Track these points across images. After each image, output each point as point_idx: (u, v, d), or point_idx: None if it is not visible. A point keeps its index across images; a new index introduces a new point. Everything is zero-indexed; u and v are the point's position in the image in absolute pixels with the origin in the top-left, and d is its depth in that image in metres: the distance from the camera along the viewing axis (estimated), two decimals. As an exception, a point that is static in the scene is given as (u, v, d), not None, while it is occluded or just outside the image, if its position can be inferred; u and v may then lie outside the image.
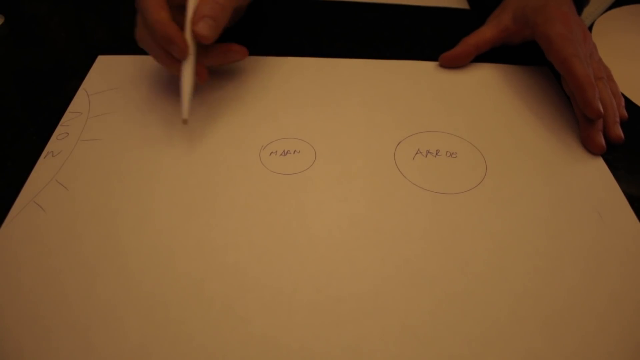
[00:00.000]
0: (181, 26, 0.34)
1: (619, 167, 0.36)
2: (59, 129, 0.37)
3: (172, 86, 0.41)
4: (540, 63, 0.44)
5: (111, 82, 0.41)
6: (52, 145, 0.36)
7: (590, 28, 0.51)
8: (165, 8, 0.33)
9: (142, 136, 0.37)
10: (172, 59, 0.35)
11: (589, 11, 0.53)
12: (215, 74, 0.43)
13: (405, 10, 0.54)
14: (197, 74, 0.35)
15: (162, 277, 0.28)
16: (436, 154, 0.36)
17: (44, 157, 0.35)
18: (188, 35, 0.34)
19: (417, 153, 0.36)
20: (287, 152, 0.36)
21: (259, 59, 0.45)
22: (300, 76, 0.43)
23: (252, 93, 0.41)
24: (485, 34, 0.44)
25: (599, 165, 0.36)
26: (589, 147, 0.37)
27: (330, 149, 0.36)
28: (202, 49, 0.36)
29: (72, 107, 0.39)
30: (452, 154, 0.36)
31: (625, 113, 0.40)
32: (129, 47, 0.47)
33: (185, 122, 0.34)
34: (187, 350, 0.25)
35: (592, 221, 0.32)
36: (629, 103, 0.42)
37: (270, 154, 0.36)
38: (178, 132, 0.37)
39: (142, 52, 0.45)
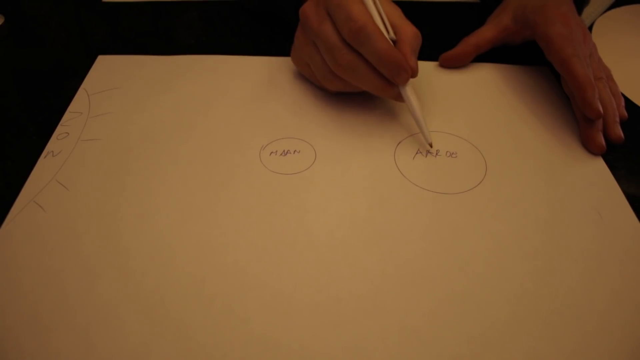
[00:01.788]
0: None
1: (619, 167, 0.36)
2: (59, 129, 0.37)
3: (172, 87, 0.41)
4: (540, 63, 0.44)
5: (111, 82, 0.41)
6: (52, 145, 0.36)
7: (590, 28, 0.51)
8: (385, 35, 0.33)
9: (142, 136, 0.37)
10: (385, 86, 0.35)
11: (588, 11, 0.53)
12: (215, 74, 0.43)
13: (405, 9, 0.53)
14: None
15: (162, 277, 0.28)
16: (436, 154, 0.36)
17: (44, 157, 0.35)
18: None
19: (417, 153, 0.36)
20: (287, 152, 0.36)
21: (259, 59, 0.45)
22: (300, 76, 0.43)
23: (252, 93, 0.41)
24: (486, 33, 0.44)
25: (599, 165, 0.36)
26: (589, 147, 0.37)
27: (330, 149, 0.36)
28: None
29: (72, 107, 0.39)
30: (452, 154, 0.36)
31: (625, 113, 0.40)
32: (129, 47, 0.47)
33: (431, 145, 0.36)
34: (187, 350, 0.25)
35: (592, 221, 0.32)
36: (629, 103, 0.42)
37: (270, 154, 0.36)
38: (178, 133, 0.37)
39: (142, 52, 0.46)
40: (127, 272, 0.28)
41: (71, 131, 0.37)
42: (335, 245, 0.30)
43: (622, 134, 0.38)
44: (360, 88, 0.36)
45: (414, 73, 0.35)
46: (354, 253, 0.30)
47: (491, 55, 0.45)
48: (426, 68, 0.44)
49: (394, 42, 0.35)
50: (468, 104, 0.41)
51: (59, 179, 0.33)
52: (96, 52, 0.45)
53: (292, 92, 0.41)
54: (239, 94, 0.41)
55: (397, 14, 0.37)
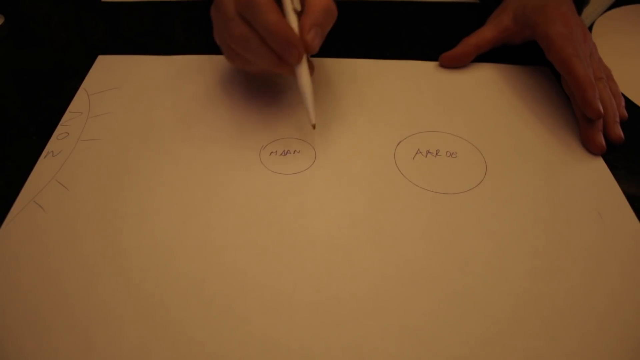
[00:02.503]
0: None
1: (619, 167, 0.36)
2: (59, 129, 0.37)
3: (172, 86, 0.41)
4: (540, 63, 0.44)
5: (111, 82, 0.41)
6: (52, 145, 0.36)
7: (590, 28, 0.51)
8: (278, 7, 0.31)
9: (142, 136, 0.37)
10: (279, 62, 0.32)
11: (588, 11, 0.53)
12: (215, 74, 0.43)
13: (406, 8, 0.54)
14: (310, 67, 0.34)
15: (162, 277, 0.28)
16: (436, 154, 0.36)
17: (44, 157, 0.35)
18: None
19: (417, 153, 0.36)
20: (287, 152, 0.36)
21: (259, 59, 0.45)
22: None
23: (252, 93, 0.41)
24: (486, 34, 0.44)
25: (599, 165, 0.36)
26: (589, 147, 0.37)
27: (330, 149, 0.36)
28: None
29: (72, 107, 0.39)
30: (452, 154, 0.36)
31: (625, 113, 0.40)
32: (129, 47, 0.47)
33: (314, 127, 0.34)
34: (187, 350, 0.25)
35: (592, 221, 0.32)
36: (629, 103, 0.42)
37: (270, 154, 0.36)
38: (178, 132, 0.37)
39: (142, 52, 0.46)
40: (126, 272, 0.28)
41: (71, 131, 0.37)
42: (335, 245, 0.30)
43: (622, 134, 0.38)
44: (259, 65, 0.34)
45: (309, 49, 0.32)
46: (353, 253, 0.30)
47: (491, 55, 0.45)
48: (426, 68, 0.44)
49: (300, 13, 0.32)
50: (468, 104, 0.41)
51: (59, 179, 0.33)
52: (96, 52, 0.45)
53: (292, 92, 0.41)
54: (239, 93, 0.41)
55: None
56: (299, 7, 0.32)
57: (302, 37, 0.32)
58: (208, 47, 0.46)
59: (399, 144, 0.37)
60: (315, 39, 0.32)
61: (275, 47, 0.31)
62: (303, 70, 0.33)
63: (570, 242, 0.31)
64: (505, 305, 0.28)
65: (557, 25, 0.39)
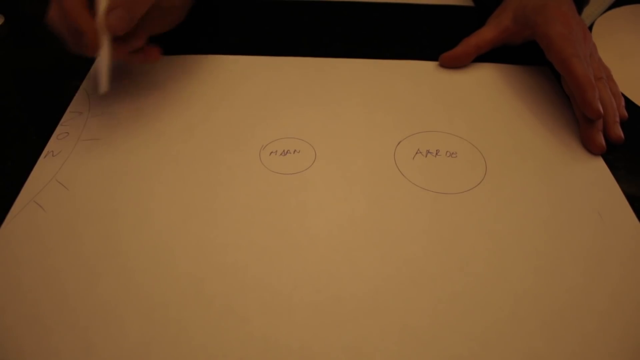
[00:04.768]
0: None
1: (619, 167, 0.36)
2: (59, 129, 0.37)
3: (172, 87, 0.41)
4: (540, 63, 0.44)
5: (111, 82, 0.41)
6: (52, 145, 0.36)
7: (590, 28, 0.51)
8: None
9: (142, 136, 0.37)
10: (85, 46, 0.33)
11: (589, 11, 0.53)
12: (216, 74, 0.43)
13: (406, 9, 0.54)
14: (147, 53, 0.36)
15: (162, 277, 0.28)
16: (436, 154, 0.36)
17: (44, 157, 0.35)
18: (101, 21, 0.33)
19: (417, 153, 0.36)
20: (287, 152, 0.36)
21: (259, 59, 0.45)
22: (300, 76, 0.43)
23: (252, 93, 0.41)
24: (486, 34, 0.44)
25: (599, 165, 0.36)
26: (589, 147, 0.37)
27: (330, 149, 0.36)
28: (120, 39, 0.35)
29: (72, 107, 0.39)
30: (452, 154, 0.36)
31: (625, 113, 0.40)
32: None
33: (103, 94, 0.34)
34: (187, 350, 0.25)
35: (592, 221, 0.32)
36: (629, 103, 0.42)
37: (270, 153, 0.36)
38: (178, 133, 0.37)
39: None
40: (127, 272, 0.28)
41: (71, 131, 0.37)
42: (335, 245, 0.30)
43: (622, 134, 0.38)
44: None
45: (109, 29, 0.33)
46: (353, 253, 0.30)
47: (491, 55, 0.45)
48: (426, 68, 0.44)
49: None
50: (468, 104, 0.41)
51: (59, 179, 0.33)
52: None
53: (292, 92, 0.41)
54: (239, 93, 0.41)
55: None
56: None
57: (104, 17, 0.33)
58: (208, 47, 0.46)
59: (399, 144, 0.37)
60: (117, 20, 0.33)
61: (73, 31, 0.33)
62: (102, 51, 0.33)
63: (570, 242, 0.31)
64: (506, 305, 0.28)
65: (557, 25, 0.39)
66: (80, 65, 0.43)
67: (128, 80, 0.42)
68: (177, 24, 0.41)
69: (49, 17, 0.34)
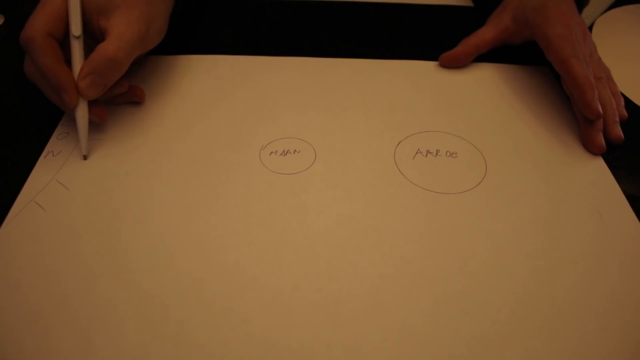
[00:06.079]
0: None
1: (619, 167, 0.36)
2: (59, 129, 0.37)
3: (172, 86, 0.41)
4: (540, 63, 0.44)
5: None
6: (52, 145, 0.36)
7: (590, 28, 0.51)
8: (56, 50, 0.32)
9: (142, 136, 0.37)
10: (60, 101, 0.33)
11: (589, 11, 0.53)
12: (216, 74, 0.43)
13: (406, 9, 0.54)
14: (96, 113, 0.35)
15: (162, 277, 0.28)
16: (436, 154, 0.36)
17: (44, 157, 0.35)
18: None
19: (417, 153, 0.36)
20: (287, 152, 0.36)
21: (259, 59, 0.45)
22: (300, 76, 0.43)
23: (252, 93, 0.41)
24: (486, 34, 0.44)
25: (599, 165, 0.36)
26: (589, 148, 0.37)
27: (330, 149, 0.36)
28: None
29: (72, 107, 0.39)
30: (452, 154, 0.36)
31: (625, 113, 0.40)
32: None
33: (85, 157, 0.35)
34: (187, 350, 0.25)
35: (592, 221, 0.32)
36: (629, 103, 0.42)
37: (270, 153, 0.36)
38: (178, 133, 0.37)
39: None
40: (126, 272, 0.28)
41: (71, 131, 0.37)
42: (335, 245, 0.30)
43: (622, 134, 0.38)
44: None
45: (83, 95, 0.33)
46: (353, 253, 0.30)
47: (491, 55, 0.45)
48: (426, 68, 0.44)
49: (79, 37, 0.33)
50: (468, 104, 0.41)
51: (59, 179, 0.33)
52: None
53: (292, 92, 0.41)
54: (239, 93, 0.41)
55: (119, 29, 0.33)
56: (76, 33, 0.33)
57: (77, 83, 0.32)
58: (208, 47, 0.46)
59: (399, 144, 0.37)
60: (89, 87, 0.33)
61: (53, 89, 0.32)
62: (78, 112, 0.34)
63: (570, 242, 0.31)
64: (505, 305, 0.28)
65: (556, 25, 0.39)
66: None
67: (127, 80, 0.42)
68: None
69: (25, 71, 0.34)
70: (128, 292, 0.27)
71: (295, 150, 0.36)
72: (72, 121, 0.38)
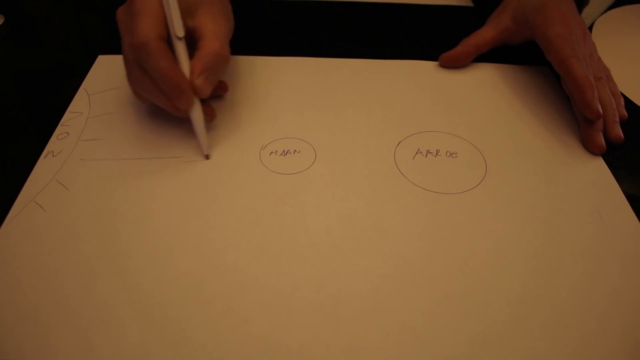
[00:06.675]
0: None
1: (619, 167, 0.36)
2: (59, 129, 0.37)
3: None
4: (540, 63, 0.44)
5: (111, 82, 0.41)
6: (52, 145, 0.36)
7: (590, 28, 0.51)
8: (170, 53, 0.31)
9: (142, 136, 0.37)
10: (172, 104, 0.33)
11: (589, 11, 0.53)
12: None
13: (405, 9, 0.54)
14: (207, 113, 0.35)
15: (161, 277, 0.28)
16: (436, 154, 0.36)
17: (44, 157, 0.35)
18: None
19: (417, 153, 0.36)
20: (287, 152, 0.36)
21: (259, 59, 0.45)
22: (300, 76, 0.43)
23: (252, 93, 0.41)
24: (486, 34, 0.44)
25: (599, 165, 0.36)
26: (589, 148, 0.37)
27: (330, 149, 0.36)
28: None
29: (72, 107, 0.39)
30: (452, 154, 0.36)
31: (625, 113, 0.40)
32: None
33: (207, 157, 0.35)
34: (187, 350, 0.25)
35: (592, 221, 0.32)
36: (629, 103, 0.42)
37: (270, 153, 0.36)
38: (178, 132, 0.37)
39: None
40: (126, 272, 0.28)
41: (71, 131, 0.37)
42: (335, 245, 0.30)
43: (621, 134, 0.38)
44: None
45: (198, 94, 0.33)
46: (353, 253, 0.30)
47: (491, 55, 0.45)
48: (426, 68, 0.44)
49: (182, 38, 0.32)
50: (468, 104, 0.41)
51: (59, 179, 0.33)
52: (96, 52, 0.45)
53: (292, 92, 0.41)
54: (238, 93, 0.41)
55: (212, 26, 0.33)
56: (180, 34, 0.32)
57: (192, 82, 0.32)
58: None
59: (399, 144, 0.37)
60: (204, 84, 0.33)
61: (167, 92, 0.32)
62: (195, 113, 0.34)
63: (570, 242, 0.31)
64: (505, 305, 0.28)
65: (556, 25, 0.39)
66: (80, 66, 0.43)
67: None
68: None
69: (132, 79, 0.33)
70: (128, 292, 0.27)
71: (295, 150, 0.36)
72: (72, 121, 0.38)
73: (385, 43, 0.48)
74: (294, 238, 0.30)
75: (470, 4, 0.55)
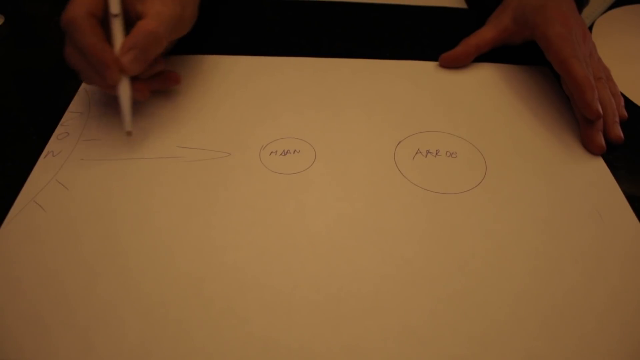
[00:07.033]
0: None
1: (619, 167, 0.36)
2: (59, 129, 0.37)
3: (172, 86, 0.41)
4: (540, 63, 0.44)
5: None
6: (52, 145, 0.36)
7: (590, 28, 0.51)
8: (98, 29, 0.32)
9: (142, 136, 0.37)
10: (99, 79, 0.33)
11: (588, 11, 0.53)
12: (216, 74, 0.43)
13: (405, 10, 0.54)
14: (138, 89, 0.35)
15: (161, 277, 0.28)
16: (436, 154, 0.36)
17: (44, 157, 0.35)
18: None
19: (417, 153, 0.36)
20: (287, 152, 0.36)
21: (259, 59, 0.45)
22: (300, 76, 0.43)
23: (252, 93, 0.41)
24: (486, 34, 0.44)
25: (599, 165, 0.36)
26: (589, 148, 0.37)
27: (330, 149, 0.36)
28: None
29: (72, 107, 0.39)
30: (452, 154, 0.36)
31: (624, 113, 0.40)
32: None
33: (129, 134, 0.35)
34: (187, 350, 0.25)
35: (592, 221, 0.32)
36: (629, 103, 0.42)
37: (270, 153, 0.36)
38: (178, 132, 0.37)
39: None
40: (126, 272, 0.28)
41: (71, 131, 0.37)
42: (335, 245, 0.30)
43: (621, 134, 0.38)
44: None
45: (126, 70, 0.33)
46: (353, 253, 0.30)
47: (491, 55, 0.45)
48: (426, 68, 0.44)
49: (118, 15, 0.33)
50: (468, 104, 0.41)
51: (59, 179, 0.33)
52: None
53: (292, 92, 0.41)
54: (239, 93, 0.41)
55: (157, 8, 0.34)
56: (115, 11, 0.33)
57: (119, 58, 0.32)
58: (208, 47, 0.46)
59: (399, 144, 0.37)
60: (132, 62, 0.33)
61: (94, 67, 0.32)
62: (121, 90, 0.34)
63: (570, 242, 0.31)
64: (505, 305, 0.28)
65: (556, 25, 0.39)
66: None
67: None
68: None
69: (66, 53, 0.34)
70: (128, 292, 0.27)
71: (295, 150, 0.36)
72: (72, 121, 0.38)
73: (385, 43, 0.48)
74: (294, 238, 0.30)
75: (464, 5, 0.55)
